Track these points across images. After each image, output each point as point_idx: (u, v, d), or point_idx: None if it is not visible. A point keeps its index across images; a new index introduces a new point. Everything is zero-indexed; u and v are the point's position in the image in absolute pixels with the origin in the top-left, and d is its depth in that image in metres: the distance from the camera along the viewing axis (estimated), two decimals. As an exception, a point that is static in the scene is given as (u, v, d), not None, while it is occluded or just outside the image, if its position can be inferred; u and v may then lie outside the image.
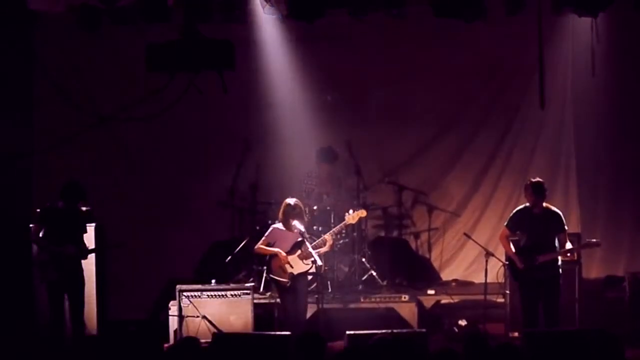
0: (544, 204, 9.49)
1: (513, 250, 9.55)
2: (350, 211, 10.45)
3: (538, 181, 9.49)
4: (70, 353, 9.37)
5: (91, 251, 9.83)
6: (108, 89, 11.81)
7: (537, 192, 9.41)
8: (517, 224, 9.57)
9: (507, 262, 9.85)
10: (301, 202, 9.98)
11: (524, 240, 9.51)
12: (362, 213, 10.44)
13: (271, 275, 9.84)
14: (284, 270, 9.75)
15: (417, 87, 12.30)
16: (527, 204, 9.54)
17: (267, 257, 9.97)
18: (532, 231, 9.44)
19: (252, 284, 10.74)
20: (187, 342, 6.90)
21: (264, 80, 12.07)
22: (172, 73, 6.93)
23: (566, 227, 9.54)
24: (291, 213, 9.80)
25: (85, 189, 9.73)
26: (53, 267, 9.44)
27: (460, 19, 10.84)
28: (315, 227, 10.82)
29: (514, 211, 9.70)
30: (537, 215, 9.45)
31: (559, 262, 9.49)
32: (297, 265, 9.79)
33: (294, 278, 9.74)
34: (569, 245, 9.45)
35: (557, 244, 9.44)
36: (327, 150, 11.53)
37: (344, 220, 10.26)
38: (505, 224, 9.69)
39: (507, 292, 10.39)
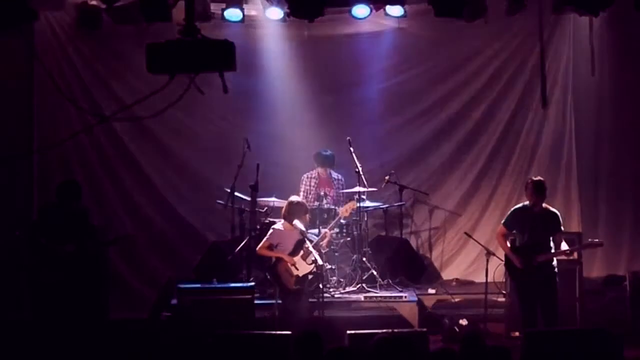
0: (543, 204, 9.48)
1: (510, 251, 9.53)
2: (342, 205, 10.51)
3: (539, 180, 9.47)
4: (71, 352, 9.36)
5: (93, 248, 9.81)
6: (108, 89, 11.81)
7: (538, 190, 9.39)
8: (515, 222, 9.54)
9: (504, 262, 9.81)
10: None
11: (522, 240, 9.48)
12: (353, 205, 10.53)
13: (279, 281, 9.85)
14: (291, 274, 9.76)
15: (417, 86, 12.30)
16: (526, 203, 9.52)
17: (273, 261, 9.97)
18: (531, 231, 9.42)
19: (253, 283, 10.74)
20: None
21: (265, 80, 12.06)
22: (172, 73, 6.91)
23: (562, 228, 9.53)
24: (297, 211, 9.80)
25: (81, 187, 9.73)
26: (50, 268, 9.46)
27: (461, 18, 10.84)
28: (316, 227, 10.83)
29: (512, 210, 9.68)
30: (536, 214, 9.42)
31: (554, 262, 9.48)
32: (301, 267, 9.81)
33: (300, 280, 9.75)
34: (564, 246, 9.43)
35: (552, 244, 9.43)
36: (325, 156, 11.52)
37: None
38: (503, 222, 9.67)
39: (508, 291, 10.36)
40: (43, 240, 9.47)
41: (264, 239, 9.96)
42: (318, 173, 11.59)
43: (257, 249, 10.01)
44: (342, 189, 11.56)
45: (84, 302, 9.66)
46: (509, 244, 9.57)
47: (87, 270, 9.67)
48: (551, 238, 9.42)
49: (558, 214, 9.52)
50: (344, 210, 10.55)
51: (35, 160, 11.62)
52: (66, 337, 9.42)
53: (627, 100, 11.95)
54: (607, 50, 11.52)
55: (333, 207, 11.22)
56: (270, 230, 9.98)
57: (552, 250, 9.41)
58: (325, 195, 11.30)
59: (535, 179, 9.50)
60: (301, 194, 11.43)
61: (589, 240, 9.80)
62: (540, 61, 11.10)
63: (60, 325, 9.48)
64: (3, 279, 10.90)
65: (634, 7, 10.58)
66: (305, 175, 11.64)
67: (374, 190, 11.68)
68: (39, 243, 9.49)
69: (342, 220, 11.07)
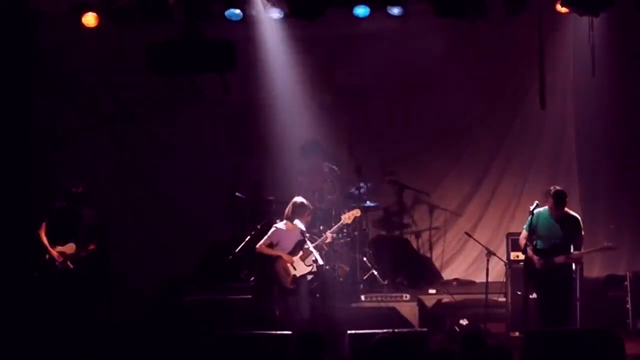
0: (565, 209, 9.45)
1: (530, 252, 9.49)
2: (346, 211, 10.50)
3: (558, 191, 9.39)
4: (70, 352, 9.37)
5: (93, 251, 9.83)
6: (108, 89, 11.81)
7: (558, 202, 9.33)
8: (535, 226, 9.48)
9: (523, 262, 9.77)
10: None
11: (538, 243, 9.44)
12: (357, 213, 10.49)
13: (275, 277, 9.84)
14: (288, 273, 9.74)
15: (417, 86, 12.29)
16: (546, 207, 9.46)
17: (271, 259, 9.97)
18: (549, 234, 9.39)
19: (254, 283, 10.75)
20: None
21: (265, 80, 12.06)
22: (173, 73, 6.94)
23: (582, 232, 9.51)
24: (301, 211, 9.78)
25: (88, 190, 9.76)
26: (52, 267, 9.49)
27: (461, 18, 10.83)
28: (316, 227, 10.82)
29: (531, 214, 9.57)
30: (555, 219, 9.40)
31: (573, 266, 9.47)
32: (299, 267, 9.79)
33: (297, 280, 9.74)
34: (576, 252, 9.41)
35: (572, 248, 9.41)
36: (310, 144, 11.49)
37: (341, 219, 10.31)
38: (524, 226, 9.62)
39: (509, 292, 10.36)
40: (46, 240, 9.54)
41: (265, 237, 9.95)
42: (309, 170, 11.56)
43: (257, 246, 9.99)
44: (334, 181, 11.49)
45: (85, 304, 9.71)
46: (529, 247, 9.51)
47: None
48: (572, 242, 9.42)
49: (578, 217, 9.48)
50: (347, 218, 10.49)
51: (35, 161, 11.62)
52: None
53: (628, 100, 11.95)
54: (607, 50, 11.50)
55: (332, 207, 11.17)
56: (272, 229, 9.96)
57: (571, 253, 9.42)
58: (320, 190, 11.27)
59: (554, 189, 9.41)
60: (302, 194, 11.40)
61: (604, 244, 9.75)
62: (540, 61, 11.07)
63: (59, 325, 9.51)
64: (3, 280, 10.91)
65: (634, 7, 10.58)
66: (297, 173, 11.62)
67: (374, 191, 11.69)
68: (42, 243, 9.56)
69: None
